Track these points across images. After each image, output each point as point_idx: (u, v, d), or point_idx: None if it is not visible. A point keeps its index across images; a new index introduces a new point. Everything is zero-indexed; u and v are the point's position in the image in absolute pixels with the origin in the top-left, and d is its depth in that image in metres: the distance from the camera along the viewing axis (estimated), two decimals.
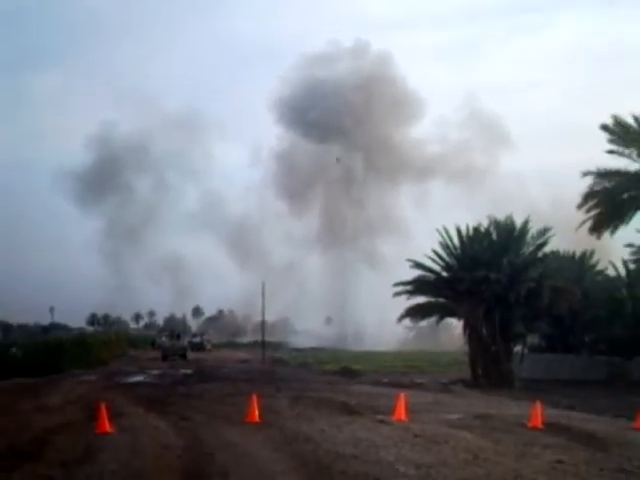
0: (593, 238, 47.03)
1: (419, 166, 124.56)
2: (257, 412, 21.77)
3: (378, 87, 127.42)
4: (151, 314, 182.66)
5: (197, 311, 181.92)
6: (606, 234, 46.42)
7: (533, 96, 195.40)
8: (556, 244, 46.73)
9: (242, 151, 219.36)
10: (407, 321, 49.68)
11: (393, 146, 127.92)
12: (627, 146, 43.96)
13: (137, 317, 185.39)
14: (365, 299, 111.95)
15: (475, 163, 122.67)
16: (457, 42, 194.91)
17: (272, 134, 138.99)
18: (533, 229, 44.79)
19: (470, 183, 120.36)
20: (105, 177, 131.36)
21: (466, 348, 46.04)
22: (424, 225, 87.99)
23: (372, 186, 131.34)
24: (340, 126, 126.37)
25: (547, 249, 45.40)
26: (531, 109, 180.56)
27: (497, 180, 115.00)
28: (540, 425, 20.99)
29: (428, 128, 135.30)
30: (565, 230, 47.16)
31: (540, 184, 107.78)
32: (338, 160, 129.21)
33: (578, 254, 50.37)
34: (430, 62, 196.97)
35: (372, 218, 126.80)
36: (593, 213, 45.34)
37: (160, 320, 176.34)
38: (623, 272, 48.68)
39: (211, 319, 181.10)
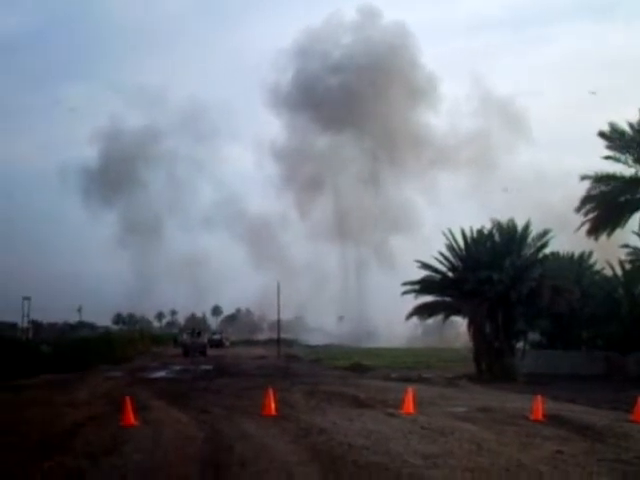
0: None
1: (432, 155, 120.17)
2: (273, 405, 21.82)
3: (390, 67, 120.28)
4: (173, 313, 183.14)
5: (216, 310, 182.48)
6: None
7: (535, 104, 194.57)
8: (568, 241, 46.52)
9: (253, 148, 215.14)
10: (415, 318, 49.52)
11: (406, 134, 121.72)
12: (623, 152, 43.86)
13: (160, 316, 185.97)
14: (376, 296, 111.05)
15: (490, 153, 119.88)
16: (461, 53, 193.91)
17: (275, 127, 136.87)
18: (534, 232, 44.89)
19: (484, 174, 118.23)
20: (119, 174, 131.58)
21: (471, 345, 46.03)
22: (436, 219, 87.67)
23: (385, 177, 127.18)
24: (349, 112, 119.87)
25: (548, 250, 45.53)
26: (534, 116, 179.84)
27: (511, 173, 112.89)
28: (541, 417, 20.97)
29: (442, 115, 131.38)
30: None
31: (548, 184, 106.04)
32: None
33: (577, 255, 50.29)
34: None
35: (384, 211, 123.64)
36: (591, 216, 45.21)
37: (181, 319, 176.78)
38: (620, 272, 48.59)
39: (229, 317, 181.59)
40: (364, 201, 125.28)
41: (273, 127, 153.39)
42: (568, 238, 48.52)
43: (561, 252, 49.75)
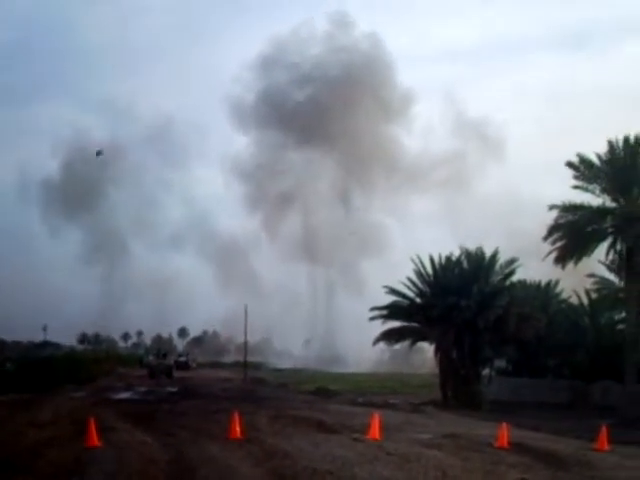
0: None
1: (404, 176, 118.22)
2: (238, 429, 21.70)
3: (362, 80, 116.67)
4: (139, 333, 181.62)
5: (183, 331, 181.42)
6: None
7: (508, 130, 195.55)
8: (539, 267, 46.85)
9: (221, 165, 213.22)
10: (382, 344, 49.51)
11: (378, 152, 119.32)
12: (590, 182, 44.30)
13: (126, 336, 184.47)
14: (344, 320, 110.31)
15: (463, 175, 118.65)
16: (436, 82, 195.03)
17: (243, 144, 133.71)
18: (501, 259, 45.19)
19: (457, 197, 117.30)
20: (83, 189, 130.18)
21: (437, 371, 46.08)
22: (407, 242, 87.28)
23: (355, 197, 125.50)
24: (318, 127, 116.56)
25: (515, 277, 45.84)
26: (508, 141, 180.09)
27: (484, 196, 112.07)
28: (506, 445, 21.02)
29: (415, 131, 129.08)
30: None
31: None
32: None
33: (544, 283, 50.63)
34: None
35: (354, 232, 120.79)
36: (558, 245, 45.54)
37: (148, 339, 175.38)
38: (586, 301, 48.99)
39: (196, 339, 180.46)
40: (333, 221, 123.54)
41: (241, 144, 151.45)
42: (539, 265, 48.81)
43: (528, 280, 50.08)
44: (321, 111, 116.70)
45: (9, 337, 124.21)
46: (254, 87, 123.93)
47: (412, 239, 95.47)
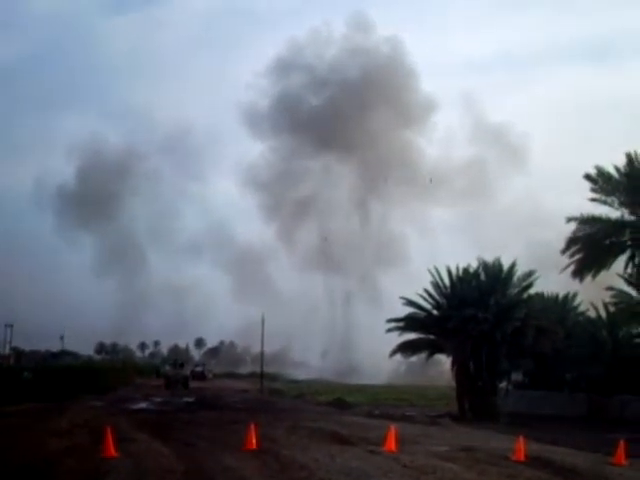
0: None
1: (424, 184, 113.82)
2: (255, 440, 21.71)
3: (381, 83, 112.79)
4: (156, 343, 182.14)
5: (200, 342, 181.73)
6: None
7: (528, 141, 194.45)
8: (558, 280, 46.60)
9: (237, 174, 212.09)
10: (399, 355, 49.40)
11: (397, 159, 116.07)
12: (608, 195, 44.20)
13: (143, 346, 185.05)
14: (361, 331, 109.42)
15: (483, 182, 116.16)
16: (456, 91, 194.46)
17: (259, 152, 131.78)
18: (519, 271, 45.08)
19: (477, 206, 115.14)
20: (98, 197, 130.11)
21: (454, 383, 45.95)
22: (425, 252, 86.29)
23: (373, 206, 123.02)
24: (335, 132, 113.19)
25: (533, 290, 45.68)
26: (529, 151, 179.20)
27: (505, 206, 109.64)
28: (523, 458, 20.93)
29: (434, 139, 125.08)
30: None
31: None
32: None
33: (561, 295, 50.43)
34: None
35: (372, 241, 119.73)
36: (576, 257, 45.42)
37: (164, 349, 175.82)
38: (604, 314, 48.77)
39: (213, 350, 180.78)
40: (351, 230, 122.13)
41: (257, 152, 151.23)
42: (559, 277, 48.58)
43: (547, 292, 49.88)
44: (338, 116, 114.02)
45: (27, 346, 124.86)
46: (270, 92, 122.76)
47: (431, 249, 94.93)
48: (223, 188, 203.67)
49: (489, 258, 45.73)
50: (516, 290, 45.32)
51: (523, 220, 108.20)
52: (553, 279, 49.16)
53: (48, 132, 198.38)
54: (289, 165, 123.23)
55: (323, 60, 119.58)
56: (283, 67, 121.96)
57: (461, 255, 48.76)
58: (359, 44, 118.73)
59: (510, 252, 47.19)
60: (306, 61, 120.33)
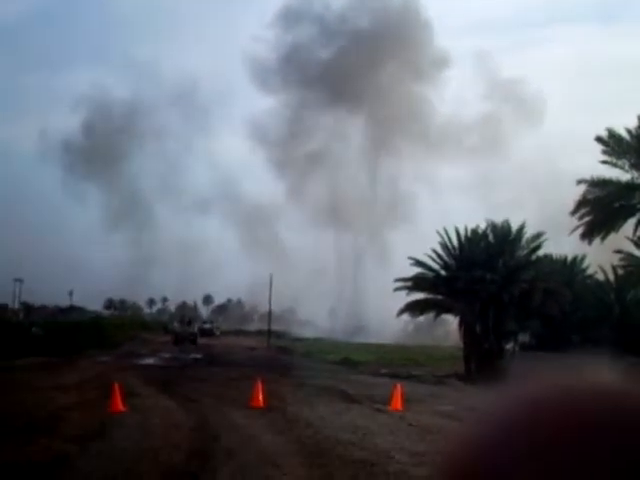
0: None
1: (435, 139, 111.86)
2: (261, 397, 21.82)
3: (393, 35, 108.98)
4: (164, 300, 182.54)
5: (208, 299, 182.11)
6: None
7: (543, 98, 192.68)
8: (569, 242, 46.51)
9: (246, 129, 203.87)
10: (406, 315, 49.48)
11: (408, 113, 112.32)
12: (619, 157, 43.92)
13: (151, 302, 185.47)
14: (370, 290, 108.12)
15: (496, 138, 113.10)
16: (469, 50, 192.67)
17: (268, 106, 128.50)
18: (528, 233, 45.02)
19: (490, 164, 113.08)
20: (105, 149, 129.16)
21: (461, 344, 46.08)
22: (435, 211, 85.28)
23: (383, 162, 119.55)
24: (345, 86, 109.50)
25: (541, 252, 45.66)
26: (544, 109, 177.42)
27: (518, 164, 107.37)
28: None
29: (446, 96, 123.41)
30: None
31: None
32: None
33: (570, 258, 50.34)
34: None
35: (381, 199, 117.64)
36: (585, 220, 45.26)
37: (172, 306, 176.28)
38: (612, 277, 48.70)
39: (220, 307, 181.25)
40: (361, 186, 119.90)
41: (265, 106, 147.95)
42: (570, 239, 48.35)
43: (556, 254, 49.81)
44: (348, 69, 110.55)
45: (36, 301, 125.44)
46: (278, 44, 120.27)
47: (441, 208, 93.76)
48: (232, 143, 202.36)
49: (501, 218, 45.70)
50: (524, 252, 45.28)
51: (537, 179, 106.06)
52: (566, 241, 49.04)
53: (54, 85, 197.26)
54: (298, 118, 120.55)
55: (332, 10, 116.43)
56: (291, 17, 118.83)
57: (472, 214, 48.58)
58: None
59: (523, 212, 46.95)
60: (315, 11, 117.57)
